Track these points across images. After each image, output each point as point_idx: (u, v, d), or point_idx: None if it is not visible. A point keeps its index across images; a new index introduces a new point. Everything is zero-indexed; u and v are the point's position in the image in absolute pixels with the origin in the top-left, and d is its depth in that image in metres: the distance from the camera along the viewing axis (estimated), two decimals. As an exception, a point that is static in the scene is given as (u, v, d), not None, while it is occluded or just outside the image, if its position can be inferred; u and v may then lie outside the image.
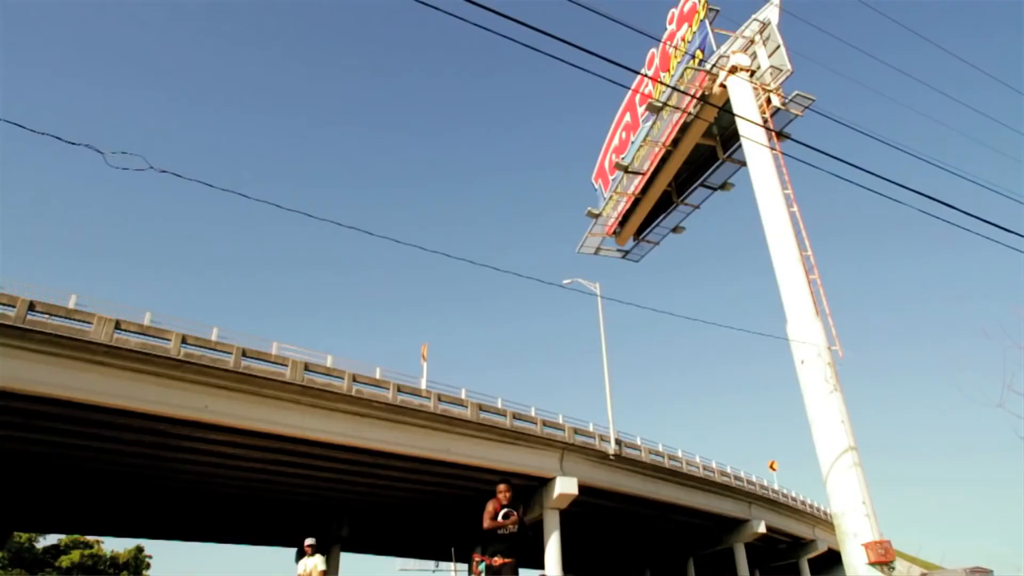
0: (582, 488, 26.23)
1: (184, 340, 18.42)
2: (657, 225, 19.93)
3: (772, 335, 11.78)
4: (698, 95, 15.38)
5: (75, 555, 42.92)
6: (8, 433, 19.23)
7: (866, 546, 9.33)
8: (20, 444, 20.25)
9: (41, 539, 43.40)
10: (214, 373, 18.69)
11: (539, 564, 26.18)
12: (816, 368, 10.86)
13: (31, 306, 16.44)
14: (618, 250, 21.14)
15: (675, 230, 20.03)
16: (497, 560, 5.66)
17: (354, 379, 21.17)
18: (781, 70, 14.02)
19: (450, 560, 34.00)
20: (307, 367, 20.11)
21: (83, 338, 16.88)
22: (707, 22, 15.32)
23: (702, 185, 18.35)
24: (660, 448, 30.53)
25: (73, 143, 6.06)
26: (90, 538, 43.82)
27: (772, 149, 13.12)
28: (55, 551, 43.42)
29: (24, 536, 41.32)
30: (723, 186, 18.24)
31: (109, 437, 19.85)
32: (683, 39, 16.05)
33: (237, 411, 19.19)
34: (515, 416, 25.25)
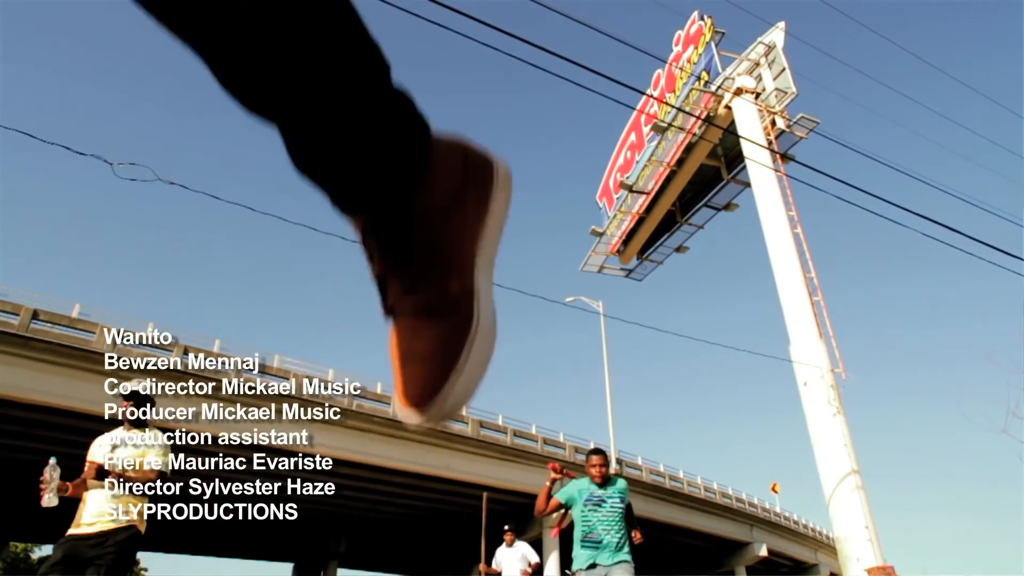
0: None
1: (186, 352, 18.46)
2: (661, 244, 19.97)
3: (775, 356, 11.76)
4: (703, 116, 15.48)
5: (70, 566, 42.65)
6: (7, 442, 19.21)
7: (869, 571, 9.23)
8: (19, 453, 20.22)
9: (37, 550, 43.15)
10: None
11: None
12: (819, 390, 10.82)
13: (34, 315, 16.52)
14: (621, 269, 21.17)
15: (679, 249, 20.06)
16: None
17: (355, 393, 21.14)
18: (786, 92, 14.12)
19: (451, 575, 33.70)
20: (308, 380, 20.08)
21: (85, 347, 16.94)
22: (713, 44, 15.45)
23: (706, 205, 18.41)
24: (661, 468, 30.32)
25: (82, 153, 6.13)
26: (86, 549, 43.57)
27: (776, 171, 13.17)
28: (50, 562, 43.18)
29: (20, 547, 41.09)
30: (727, 206, 18.28)
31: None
32: (689, 60, 16.18)
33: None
34: (516, 433, 25.16)
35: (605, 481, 4.41)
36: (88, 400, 17.20)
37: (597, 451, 4.56)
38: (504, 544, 7.80)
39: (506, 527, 7.89)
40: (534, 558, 7.65)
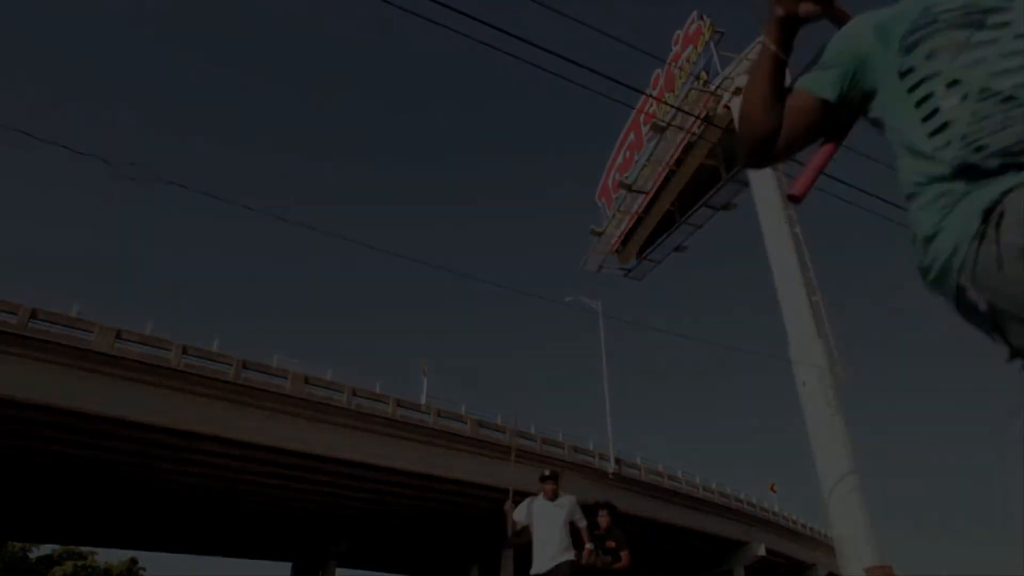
0: (580, 506, 26.02)
1: (184, 351, 18.41)
2: (660, 244, 19.95)
3: (774, 355, 11.77)
4: (702, 116, 15.47)
5: (68, 566, 42.59)
6: (7, 441, 19.18)
7: (868, 571, 9.23)
8: (18, 452, 20.19)
9: (35, 549, 43.10)
10: (214, 384, 18.66)
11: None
12: (818, 390, 10.82)
13: (33, 314, 16.48)
14: (621, 268, 21.16)
15: (678, 249, 20.03)
16: None
17: (354, 393, 21.11)
18: (785, 92, 14.11)
19: (451, 574, 33.70)
20: (307, 380, 20.06)
21: (84, 347, 16.90)
22: (712, 44, 15.46)
23: (705, 205, 18.37)
24: (660, 468, 30.34)
25: (81, 153, 6.12)
26: (84, 549, 43.51)
27: (775, 170, 13.17)
28: (48, 561, 43.09)
29: (18, 546, 41.05)
30: (726, 206, 18.26)
31: (107, 447, 19.78)
32: (688, 60, 16.18)
33: (236, 423, 19.15)
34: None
35: None
36: (88, 399, 17.19)
37: None
38: (541, 496, 6.15)
39: (546, 472, 6.25)
40: (583, 523, 6.26)
